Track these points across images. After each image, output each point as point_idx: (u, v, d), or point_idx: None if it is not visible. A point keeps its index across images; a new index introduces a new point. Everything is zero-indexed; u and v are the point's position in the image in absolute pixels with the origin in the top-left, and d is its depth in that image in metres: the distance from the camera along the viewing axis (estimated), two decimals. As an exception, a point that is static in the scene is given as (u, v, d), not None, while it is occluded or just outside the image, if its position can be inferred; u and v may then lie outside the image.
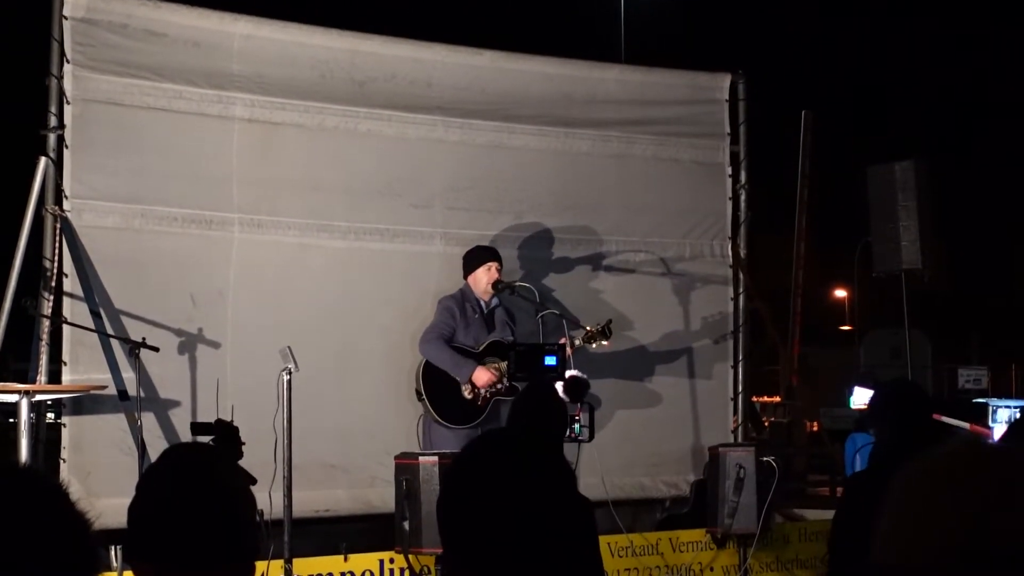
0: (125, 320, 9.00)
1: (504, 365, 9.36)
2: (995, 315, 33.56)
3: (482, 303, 9.69)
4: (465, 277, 9.75)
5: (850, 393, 20.77)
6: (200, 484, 2.80)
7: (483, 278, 9.65)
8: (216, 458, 2.97)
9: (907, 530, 1.83)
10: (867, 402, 6.58)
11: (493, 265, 9.68)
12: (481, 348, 9.57)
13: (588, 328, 9.61)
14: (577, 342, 9.54)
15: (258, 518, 7.59)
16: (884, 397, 5.86)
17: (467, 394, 9.47)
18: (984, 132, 34.74)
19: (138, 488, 2.84)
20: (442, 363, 9.47)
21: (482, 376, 9.40)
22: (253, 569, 2.85)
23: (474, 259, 9.74)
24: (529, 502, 2.59)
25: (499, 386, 9.41)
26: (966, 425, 9.98)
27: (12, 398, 7.87)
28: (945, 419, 9.69)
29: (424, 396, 9.45)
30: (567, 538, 2.64)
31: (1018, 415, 11.52)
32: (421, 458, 8.35)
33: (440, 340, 9.46)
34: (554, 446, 6.22)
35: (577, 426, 8.53)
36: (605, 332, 9.61)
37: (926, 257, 12.23)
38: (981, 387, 17.68)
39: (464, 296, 9.66)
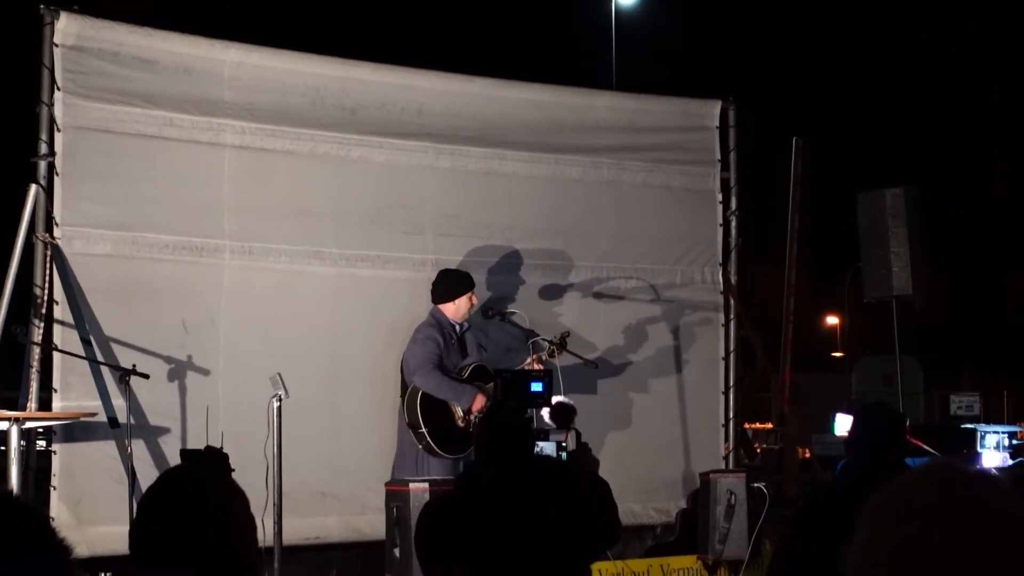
0: (116, 347, 8.99)
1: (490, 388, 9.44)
2: (986, 341, 33.58)
3: (457, 328, 9.70)
4: (440, 302, 9.69)
5: (834, 420, 20.79)
6: (201, 504, 2.81)
7: (465, 306, 9.65)
8: (218, 480, 2.97)
9: (879, 560, 1.83)
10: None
11: (473, 294, 9.71)
12: (466, 374, 9.58)
13: (548, 341, 9.78)
14: (544, 356, 9.69)
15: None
16: (856, 422, 5.76)
17: (460, 423, 9.47)
18: (974, 158, 34.83)
19: (139, 507, 2.84)
20: (443, 393, 9.43)
21: (481, 402, 9.43)
22: None
23: (455, 287, 9.68)
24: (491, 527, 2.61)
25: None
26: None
27: (2, 425, 7.86)
28: (923, 446, 9.68)
29: (424, 428, 9.38)
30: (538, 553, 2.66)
31: (1006, 441, 11.52)
32: (411, 485, 8.34)
33: (438, 371, 9.43)
34: (519, 467, 6.19)
35: (564, 453, 8.53)
36: (562, 343, 9.80)
37: (917, 283, 12.24)
38: (973, 413, 17.66)
39: (440, 323, 9.62)
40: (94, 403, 8.77)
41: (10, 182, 9.96)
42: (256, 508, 8.32)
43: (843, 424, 20.25)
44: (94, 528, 8.17)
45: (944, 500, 1.84)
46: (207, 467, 7.18)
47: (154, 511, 2.84)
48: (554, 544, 5.94)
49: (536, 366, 9.63)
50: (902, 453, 5.47)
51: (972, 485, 1.86)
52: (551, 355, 9.79)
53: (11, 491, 7.67)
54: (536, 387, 8.96)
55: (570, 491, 6.36)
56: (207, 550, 2.75)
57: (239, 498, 2.91)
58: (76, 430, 8.77)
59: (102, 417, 8.75)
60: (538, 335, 9.85)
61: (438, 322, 9.61)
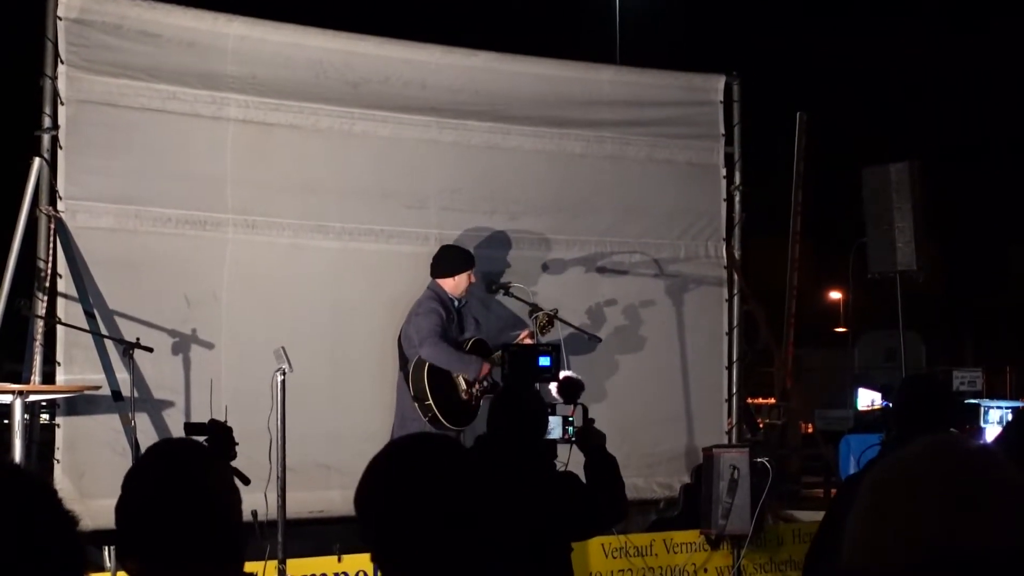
0: (119, 321, 9.00)
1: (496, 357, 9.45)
2: (989, 316, 33.59)
3: (455, 303, 9.70)
4: (439, 277, 9.69)
5: (855, 395, 20.89)
6: (182, 481, 2.81)
7: (464, 283, 9.66)
8: (200, 455, 2.97)
9: (873, 533, 1.83)
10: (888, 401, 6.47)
11: (472, 272, 9.72)
12: (467, 348, 9.59)
13: (537, 315, 9.80)
14: (535, 332, 9.75)
15: (252, 518, 7.53)
16: (902, 392, 5.71)
17: (464, 395, 9.49)
18: (978, 134, 34.76)
19: (123, 486, 2.84)
20: (449, 364, 9.45)
21: (486, 369, 9.47)
22: (239, 566, 2.85)
23: (456, 263, 9.68)
24: (461, 503, 2.61)
25: (485, 383, 9.51)
26: None
27: (6, 399, 7.86)
28: None
29: (431, 400, 9.40)
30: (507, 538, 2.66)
31: (1010, 416, 11.51)
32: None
33: (443, 342, 9.46)
34: (530, 448, 6.28)
35: (571, 428, 8.53)
36: (550, 321, 9.84)
37: (921, 259, 12.21)
38: (976, 389, 17.69)
39: (440, 297, 9.63)
40: (97, 376, 8.79)
41: (14, 155, 9.96)
42: (260, 481, 8.28)
43: (865, 398, 20.37)
44: (97, 501, 8.15)
45: (934, 475, 1.83)
46: (207, 442, 7.19)
47: (134, 490, 2.85)
48: (557, 521, 5.97)
49: (527, 341, 9.63)
50: (949, 422, 5.47)
51: (966, 461, 1.86)
52: (541, 331, 9.80)
53: (16, 462, 7.69)
54: (544, 361, 8.96)
55: (569, 475, 6.42)
56: (187, 527, 2.75)
57: (220, 474, 2.91)
58: (79, 403, 8.79)
59: (105, 390, 8.77)
60: (541, 309, 9.85)
61: (438, 296, 9.62)
